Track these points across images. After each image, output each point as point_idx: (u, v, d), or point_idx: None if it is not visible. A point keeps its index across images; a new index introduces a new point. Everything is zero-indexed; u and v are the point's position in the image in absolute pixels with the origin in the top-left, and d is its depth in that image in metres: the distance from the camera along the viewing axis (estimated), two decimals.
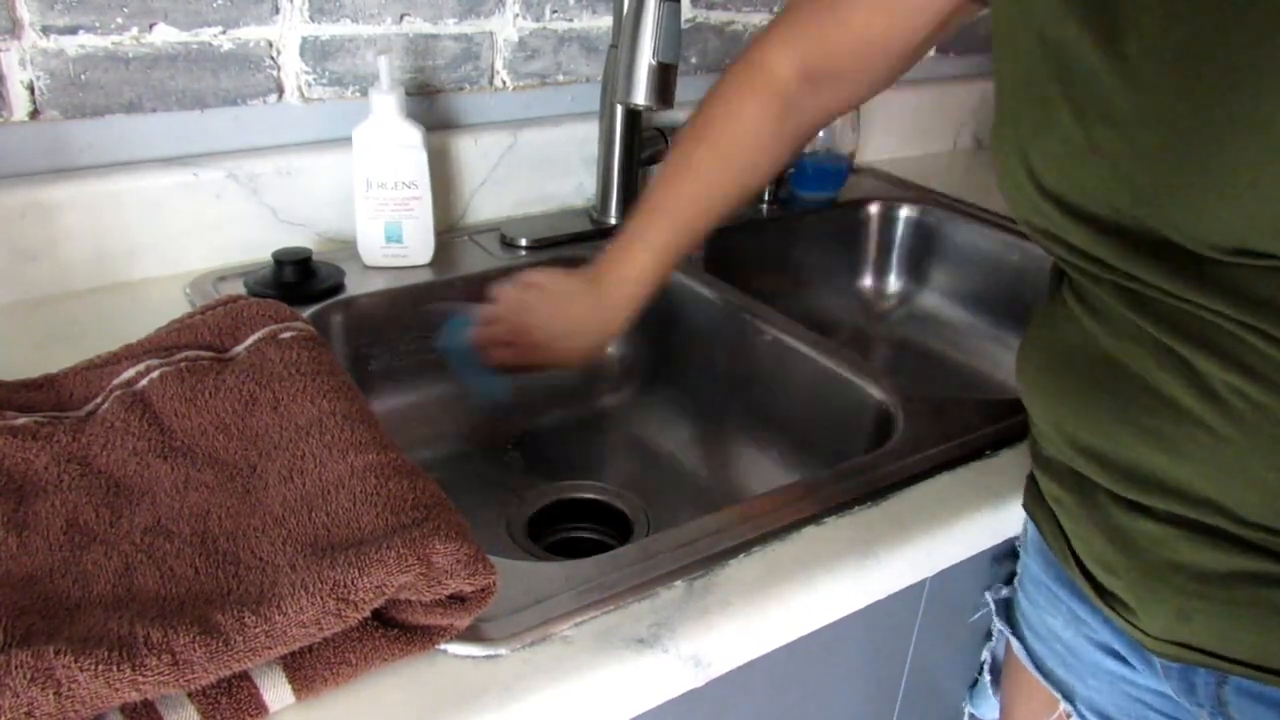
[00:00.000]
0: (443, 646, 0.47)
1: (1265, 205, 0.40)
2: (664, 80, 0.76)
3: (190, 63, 0.82)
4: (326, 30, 0.87)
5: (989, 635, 0.73)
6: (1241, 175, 0.40)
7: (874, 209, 1.17)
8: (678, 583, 0.53)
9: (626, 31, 0.75)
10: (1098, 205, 0.46)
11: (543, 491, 0.84)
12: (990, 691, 0.73)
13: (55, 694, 0.38)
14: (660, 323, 0.97)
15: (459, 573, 0.45)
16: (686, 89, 1.06)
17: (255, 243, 0.87)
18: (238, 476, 0.52)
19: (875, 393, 0.76)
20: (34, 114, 0.78)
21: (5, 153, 0.78)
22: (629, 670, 0.48)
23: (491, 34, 0.96)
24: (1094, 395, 0.51)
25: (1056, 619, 0.61)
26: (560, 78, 1.02)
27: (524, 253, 0.94)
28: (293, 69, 0.87)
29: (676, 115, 1.03)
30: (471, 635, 0.48)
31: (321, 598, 0.42)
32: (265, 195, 0.87)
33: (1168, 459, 0.48)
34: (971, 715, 0.77)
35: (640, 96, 0.76)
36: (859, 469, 0.64)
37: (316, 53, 0.87)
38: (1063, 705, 0.63)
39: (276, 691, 0.43)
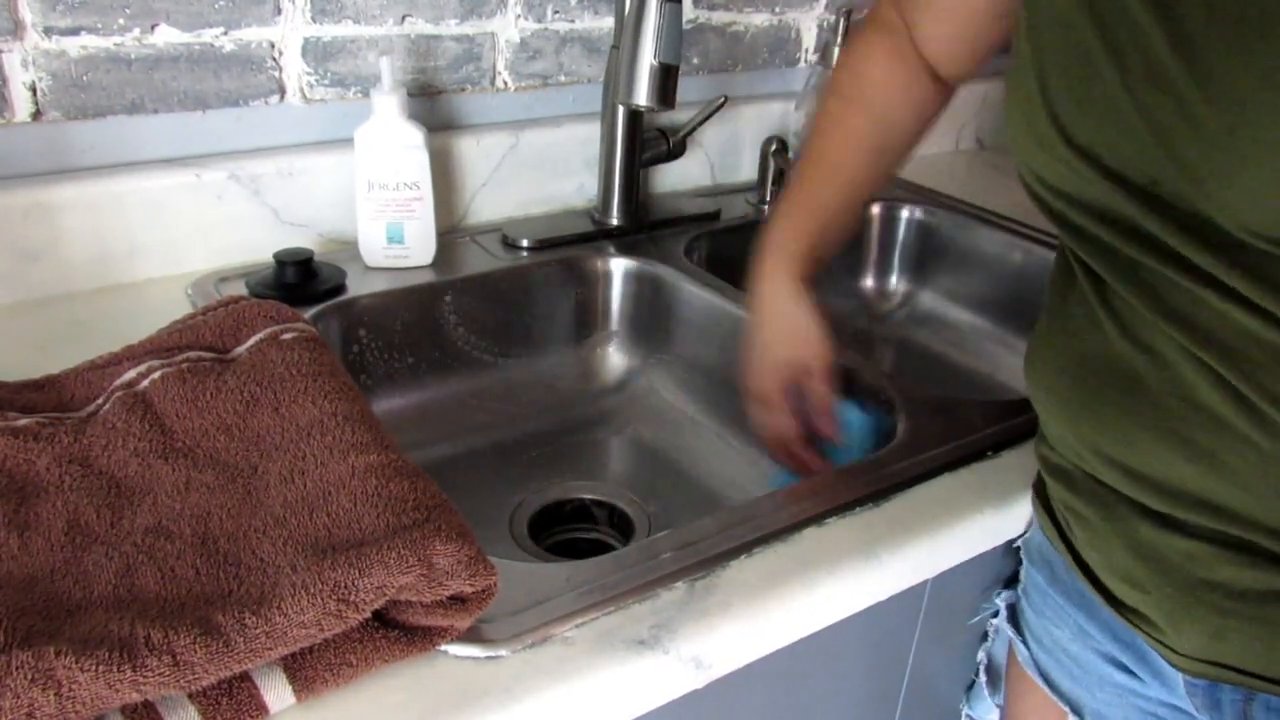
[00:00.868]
0: (443, 647, 0.47)
1: None
2: (665, 81, 0.76)
3: (192, 64, 0.82)
4: (328, 31, 0.87)
5: (984, 636, 0.73)
6: None
7: (876, 209, 1.17)
8: (679, 584, 0.53)
9: (628, 32, 0.75)
10: (1135, 173, 0.44)
11: (544, 492, 0.84)
12: (986, 693, 0.73)
13: (56, 695, 0.38)
14: (661, 322, 0.97)
15: (460, 574, 0.45)
16: (688, 90, 1.06)
17: (257, 243, 0.87)
18: (239, 477, 0.52)
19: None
20: (36, 115, 0.78)
21: (7, 153, 0.78)
22: (630, 671, 0.48)
23: (493, 35, 0.96)
24: (1119, 404, 0.49)
25: (1062, 630, 0.60)
26: (562, 78, 1.02)
27: (525, 253, 0.94)
28: (294, 70, 0.87)
29: (678, 116, 1.04)
30: (472, 636, 0.48)
31: (322, 599, 0.42)
32: (267, 196, 0.87)
33: (1203, 471, 0.45)
34: (969, 717, 0.76)
35: (642, 97, 0.76)
36: (860, 470, 0.64)
37: (318, 54, 0.87)
38: (1070, 718, 0.62)
39: (277, 692, 0.43)
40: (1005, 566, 0.70)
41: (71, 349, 0.63)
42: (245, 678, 0.43)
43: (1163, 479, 0.48)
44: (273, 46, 0.85)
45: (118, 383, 0.58)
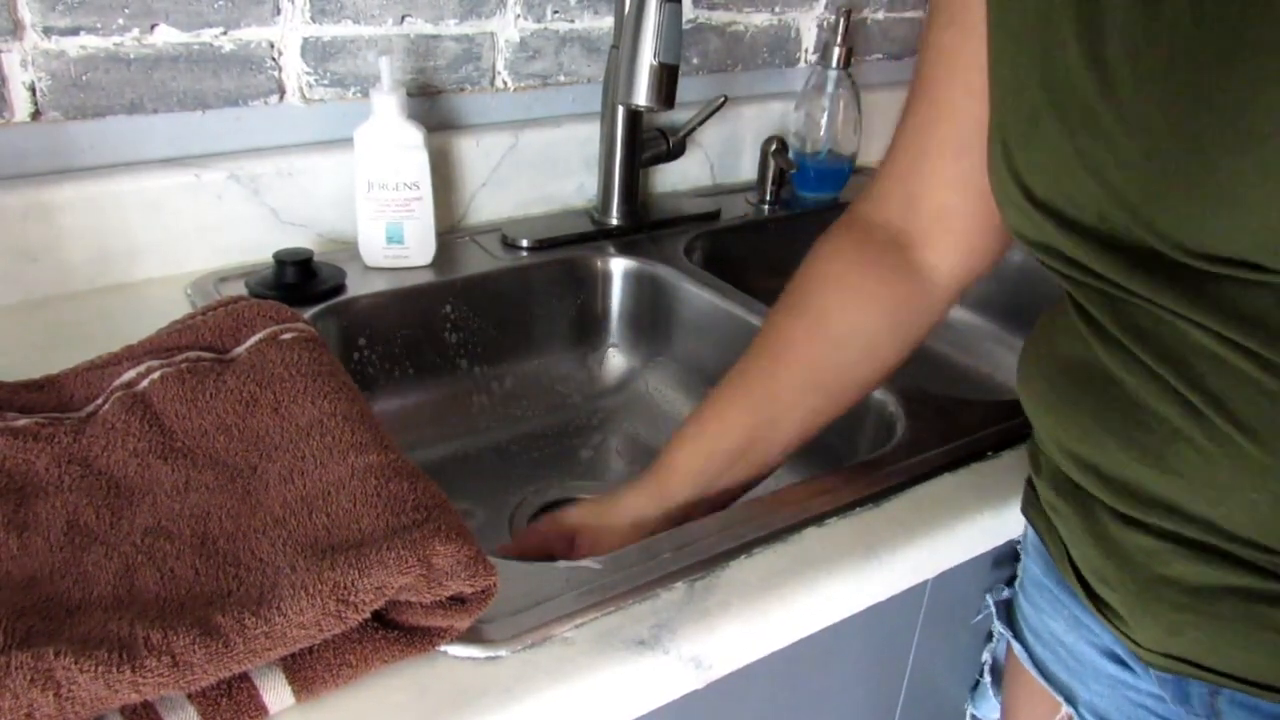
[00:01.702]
0: (443, 648, 0.47)
1: (1250, 216, 0.40)
2: (665, 81, 0.76)
3: (191, 64, 0.82)
4: (328, 31, 0.87)
5: (990, 637, 0.73)
6: (1225, 188, 0.40)
7: None
8: (679, 584, 0.53)
9: (628, 32, 0.75)
10: (1087, 215, 0.46)
11: (544, 492, 0.84)
12: (991, 693, 0.73)
13: (55, 695, 0.38)
14: (661, 322, 0.97)
15: (459, 574, 0.45)
16: (687, 90, 1.06)
17: (256, 243, 0.87)
18: (238, 478, 0.52)
19: (876, 393, 0.76)
20: (35, 115, 0.78)
21: (7, 154, 0.78)
22: (630, 672, 0.48)
23: (493, 35, 0.96)
24: (1089, 408, 0.51)
25: (1058, 622, 0.61)
26: (561, 78, 1.02)
27: (525, 253, 0.94)
28: (294, 70, 0.87)
29: (677, 116, 1.04)
30: (472, 636, 0.48)
31: (322, 599, 0.42)
32: (266, 196, 0.87)
33: (1158, 474, 0.48)
34: (973, 716, 0.76)
35: (641, 97, 0.76)
36: (860, 470, 0.64)
37: (318, 54, 0.87)
38: (1064, 708, 0.62)
39: (276, 693, 0.43)
40: (1005, 567, 0.70)
41: (71, 349, 0.63)
42: (245, 678, 0.43)
43: (1126, 480, 0.50)
44: (272, 46, 0.85)
45: (117, 383, 0.58)
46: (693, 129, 1.04)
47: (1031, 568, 0.63)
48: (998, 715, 0.73)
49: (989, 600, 0.69)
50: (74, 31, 0.77)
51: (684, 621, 0.51)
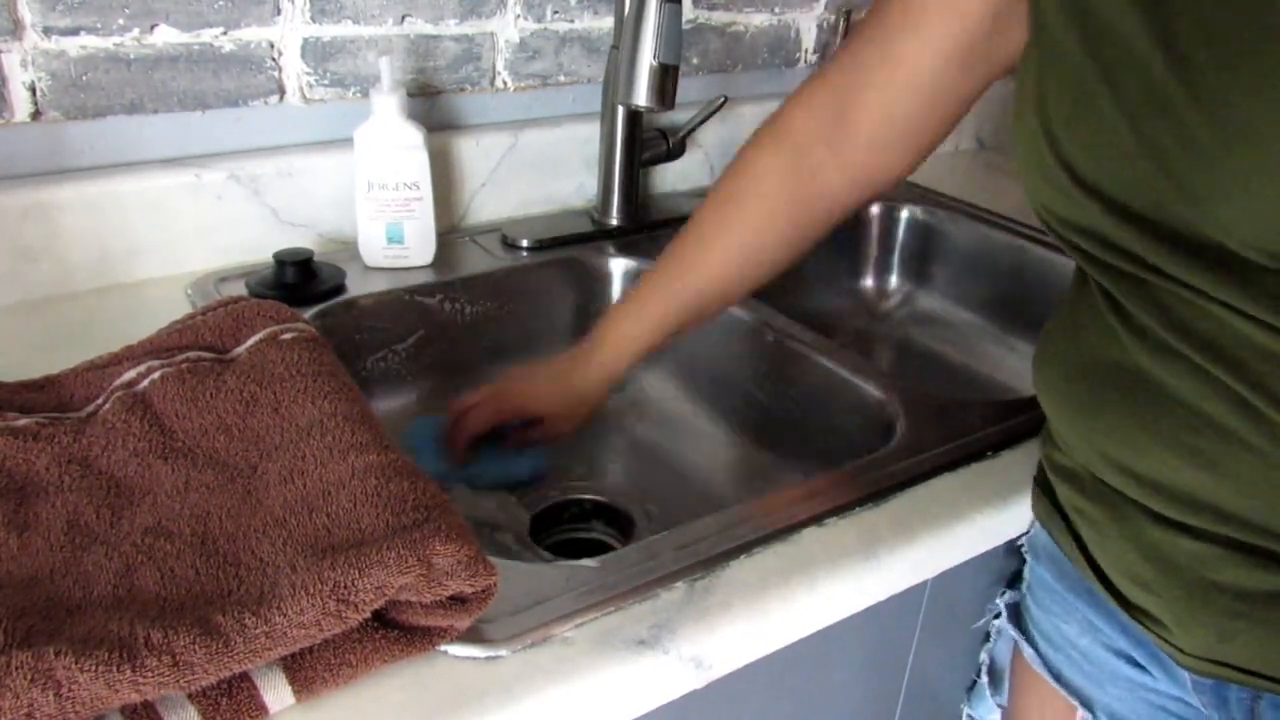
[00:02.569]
0: (443, 648, 0.47)
1: None
2: (665, 81, 0.76)
3: (191, 64, 0.82)
4: (328, 31, 0.87)
5: (987, 637, 0.73)
6: None
7: (875, 209, 1.17)
8: (679, 584, 0.53)
9: (628, 32, 0.75)
10: (1140, 202, 0.44)
11: (544, 492, 0.84)
12: (988, 693, 0.73)
13: (55, 695, 0.38)
14: None
15: (459, 574, 0.45)
16: (687, 90, 1.06)
17: (256, 243, 0.87)
18: (238, 477, 0.52)
19: (876, 393, 0.76)
20: (35, 115, 0.78)
21: (7, 154, 0.78)
22: (630, 672, 0.48)
23: (493, 35, 0.96)
24: (1127, 410, 0.49)
25: (1071, 626, 0.60)
26: (561, 78, 1.02)
27: (525, 253, 0.94)
28: (294, 70, 0.87)
29: (677, 116, 1.03)
30: (472, 636, 0.48)
31: (322, 599, 0.42)
32: (267, 196, 0.87)
33: (1209, 478, 0.46)
34: (970, 717, 0.76)
35: (641, 97, 0.76)
36: (860, 470, 0.64)
37: (318, 54, 0.87)
38: (1080, 713, 0.62)
39: (277, 693, 0.43)
40: (1006, 566, 0.70)
41: (71, 349, 0.63)
42: (245, 678, 0.43)
43: (1169, 483, 0.48)
44: (272, 46, 0.85)
45: (117, 383, 0.58)
46: (693, 129, 1.04)
47: (1040, 571, 0.63)
48: (995, 717, 0.73)
49: (999, 603, 0.69)
50: (74, 31, 0.77)
51: (684, 621, 0.51)
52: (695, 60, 1.10)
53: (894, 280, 1.19)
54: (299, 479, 0.50)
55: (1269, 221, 0.39)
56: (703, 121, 1.03)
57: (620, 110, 0.95)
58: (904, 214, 1.16)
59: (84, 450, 0.53)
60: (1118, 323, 0.49)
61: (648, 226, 1.01)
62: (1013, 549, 0.67)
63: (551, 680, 0.47)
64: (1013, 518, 0.63)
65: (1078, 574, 0.58)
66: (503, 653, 0.48)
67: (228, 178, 0.84)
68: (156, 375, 0.57)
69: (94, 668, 0.38)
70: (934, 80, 0.60)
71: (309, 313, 0.79)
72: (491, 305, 0.91)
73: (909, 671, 0.70)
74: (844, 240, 1.17)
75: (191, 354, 0.59)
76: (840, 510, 0.60)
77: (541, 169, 1.01)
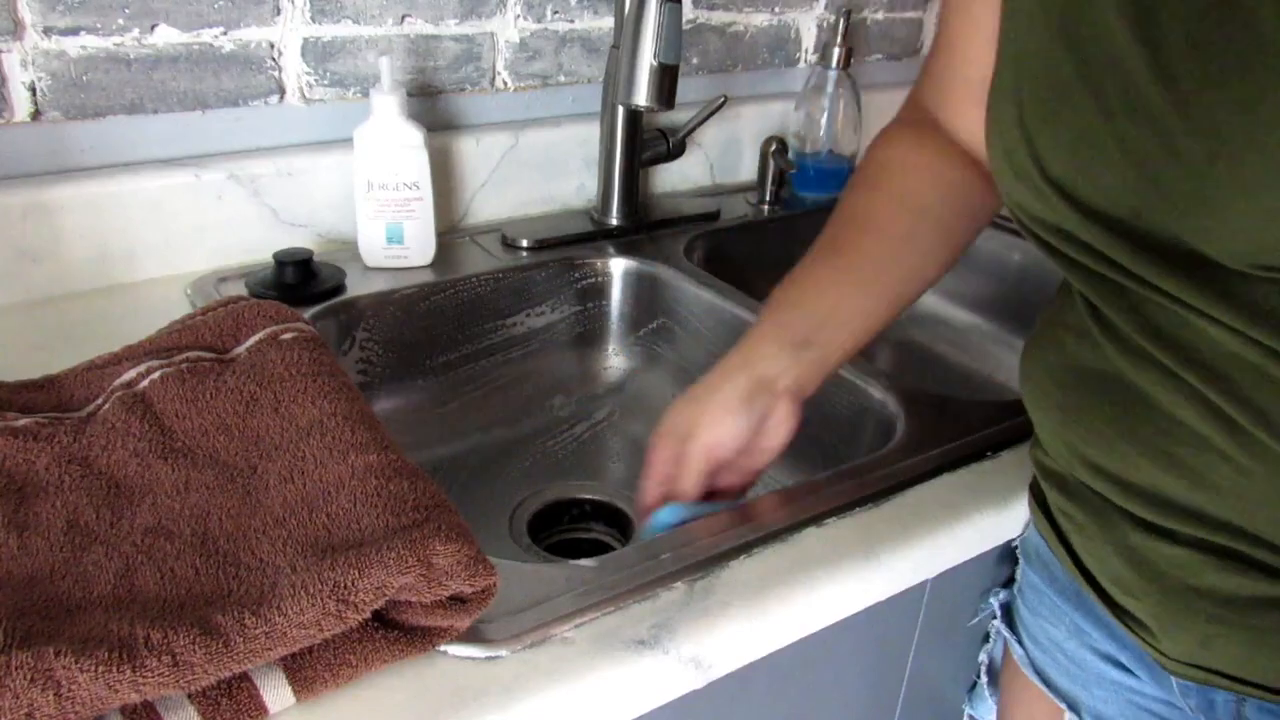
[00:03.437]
0: (443, 648, 0.47)
1: None
2: (665, 81, 0.76)
3: (191, 64, 0.82)
4: (328, 31, 0.87)
5: (986, 638, 0.73)
6: None
7: None
8: (678, 584, 0.53)
9: (628, 32, 0.75)
10: (1113, 204, 0.44)
11: (544, 492, 0.84)
12: (987, 693, 0.73)
13: (55, 695, 0.38)
14: (661, 322, 0.97)
15: (459, 574, 0.45)
16: (687, 90, 1.06)
17: (256, 243, 0.87)
18: (238, 477, 0.52)
19: (876, 393, 0.76)
20: (35, 115, 0.78)
21: (7, 154, 0.78)
22: (629, 672, 0.48)
23: (493, 35, 0.96)
24: (1107, 416, 0.49)
25: (1058, 629, 0.60)
26: (561, 78, 1.02)
27: (525, 254, 0.94)
28: (294, 70, 0.87)
29: (677, 116, 1.03)
30: (472, 636, 0.48)
31: (322, 599, 0.42)
32: (266, 196, 0.87)
33: (1187, 484, 0.46)
34: (971, 717, 0.76)
35: (641, 97, 0.76)
36: (860, 470, 0.64)
37: (318, 54, 0.87)
38: (1068, 715, 0.62)
39: (277, 693, 0.43)
40: (1005, 567, 0.70)
41: (71, 349, 0.63)
42: (245, 678, 0.43)
43: (1150, 489, 0.48)
44: (272, 46, 0.85)
45: (117, 383, 0.58)
46: (693, 129, 1.04)
47: (1031, 574, 0.63)
48: (994, 717, 0.73)
49: (992, 602, 0.69)
50: (74, 31, 0.77)
51: (684, 621, 0.51)
52: (695, 60, 1.10)
53: None
54: (299, 479, 0.50)
55: (1253, 234, 0.39)
56: (703, 121, 1.03)
57: (620, 110, 0.95)
58: None
59: (84, 450, 0.53)
60: (1097, 328, 0.49)
61: (648, 226, 1.01)
62: (1011, 550, 0.67)
63: (551, 680, 0.47)
64: (1012, 518, 0.63)
65: (1066, 577, 0.58)
66: (502, 653, 0.48)
67: (227, 178, 0.84)
68: (156, 375, 0.57)
69: (94, 668, 0.38)
70: None
71: (309, 313, 0.79)
72: (491, 305, 0.91)
73: (909, 671, 0.70)
74: None
75: (191, 354, 0.59)
76: (840, 510, 0.60)
77: (541, 169, 1.01)
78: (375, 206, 0.86)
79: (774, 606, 0.53)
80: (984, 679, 0.74)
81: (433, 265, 0.90)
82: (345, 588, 0.43)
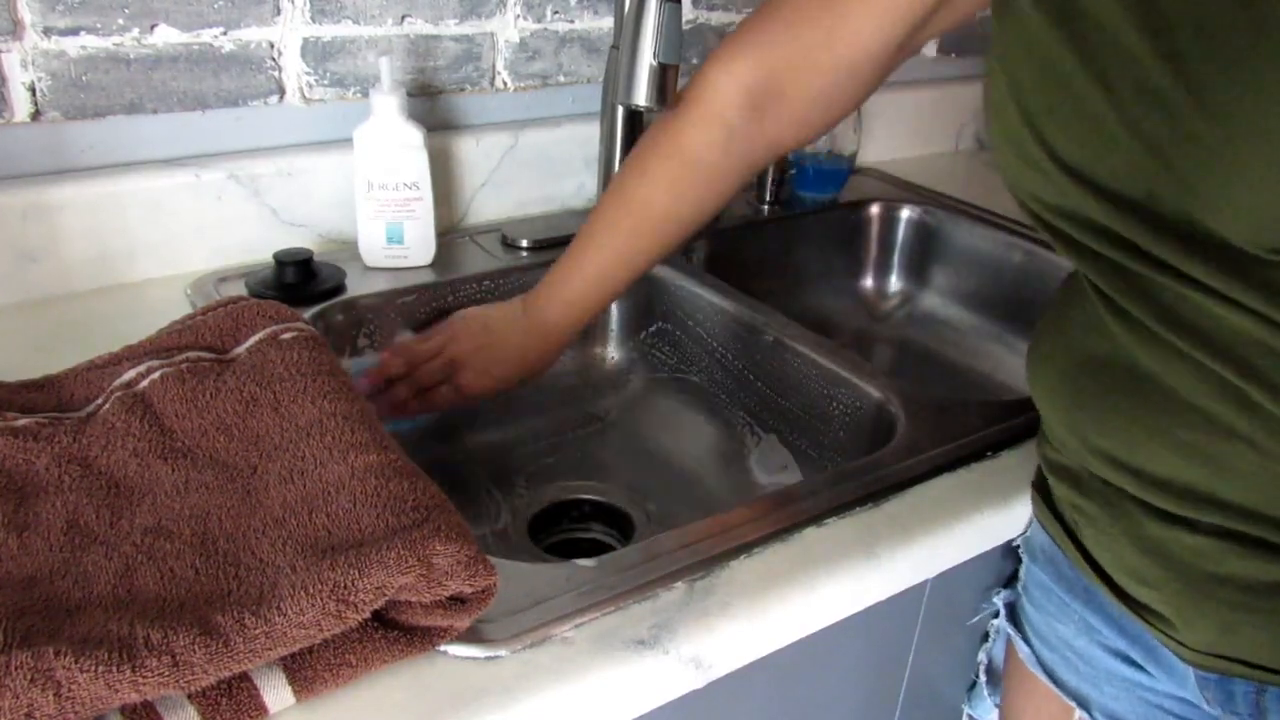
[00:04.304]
0: (443, 648, 0.47)
1: None
2: (665, 81, 0.76)
3: (191, 64, 0.82)
4: (328, 31, 0.87)
5: (985, 637, 0.73)
6: None
7: (875, 209, 1.17)
8: (678, 584, 0.53)
9: (628, 32, 0.75)
10: (1127, 186, 0.44)
11: (544, 492, 0.84)
12: (986, 693, 0.73)
13: (55, 695, 0.38)
14: (660, 323, 0.97)
15: (459, 574, 0.45)
16: None
17: (256, 243, 0.87)
18: (238, 477, 0.52)
19: (876, 394, 0.76)
20: (35, 115, 0.78)
21: (7, 154, 0.78)
22: (629, 672, 0.48)
23: (492, 35, 0.96)
24: (1121, 407, 0.49)
25: (1067, 626, 0.60)
26: (561, 78, 1.02)
27: (525, 254, 0.94)
28: (294, 70, 0.87)
29: None
30: (472, 636, 0.48)
31: (321, 599, 0.42)
32: (266, 196, 0.87)
33: (1207, 472, 0.46)
34: (970, 717, 0.76)
35: (641, 97, 0.76)
36: (860, 470, 0.64)
37: (318, 54, 0.87)
38: (1078, 713, 0.62)
39: (277, 693, 0.43)
40: (1005, 566, 0.70)
41: (71, 349, 0.63)
42: (245, 678, 0.43)
43: (1167, 478, 0.48)
44: (272, 46, 0.85)
45: (117, 383, 0.58)
46: None
47: (1036, 572, 0.63)
48: (995, 717, 0.73)
49: (996, 601, 0.69)
50: (74, 31, 0.77)
51: (684, 621, 0.51)
52: (695, 60, 1.10)
53: (894, 280, 1.19)
54: (299, 479, 0.50)
55: (1267, 215, 0.39)
56: None
57: (620, 110, 0.95)
58: (904, 214, 1.17)
59: (84, 450, 0.53)
60: (1109, 317, 0.49)
61: None
62: (1011, 549, 0.67)
63: (551, 680, 0.47)
64: (1012, 518, 0.63)
65: (1074, 574, 0.58)
66: (502, 653, 0.48)
67: (227, 177, 0.84)
68: (156, 375, 0.57)
69: (94, 668, 0.38)
70: (876, 63, 0.61)
71: (309, 313, 0.79)
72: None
73: (909, 671, 0.70)
74: (844, 240, 1.17)
75: (191, 354, 0.59)
76: (840, 510, 0.60)
77: (541, 169, 1.01)
78: (375, 206, 0.86)
79: (774, 606, 0.53)
80: (983, 679, 0.74)
81: (433, 265, 0.90)
82: (345, 588, 0.43)
